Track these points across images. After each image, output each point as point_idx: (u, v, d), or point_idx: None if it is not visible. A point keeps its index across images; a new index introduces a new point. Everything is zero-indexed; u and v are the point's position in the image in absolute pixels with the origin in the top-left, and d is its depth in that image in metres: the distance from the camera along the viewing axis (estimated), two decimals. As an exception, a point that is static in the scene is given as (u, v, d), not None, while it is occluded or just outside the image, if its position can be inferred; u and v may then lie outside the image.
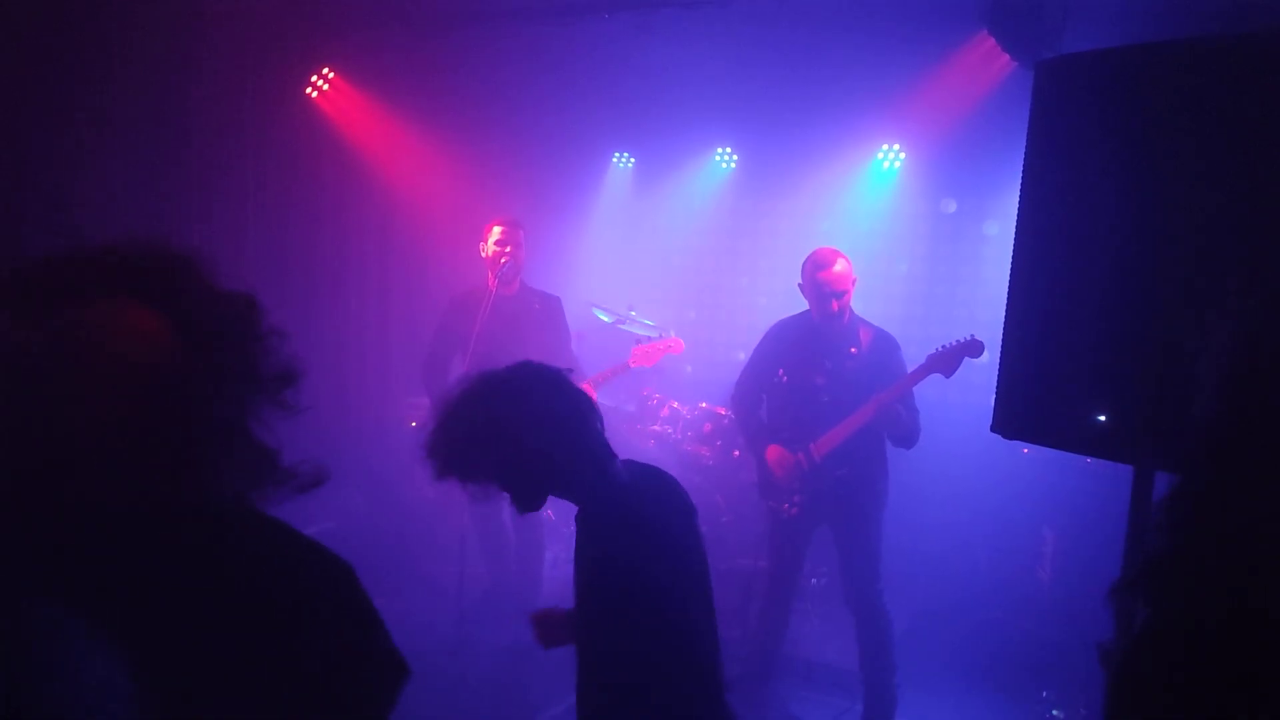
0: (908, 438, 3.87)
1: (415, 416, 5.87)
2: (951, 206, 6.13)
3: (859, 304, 4.00)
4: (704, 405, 5.37)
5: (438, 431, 1.87)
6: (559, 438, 1.87)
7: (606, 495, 1.92)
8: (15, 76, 3.81)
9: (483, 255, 4.48)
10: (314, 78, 5.32)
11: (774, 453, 3.96)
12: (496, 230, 4.44)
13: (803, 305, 4.00)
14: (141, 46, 4.29)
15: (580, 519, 1.93)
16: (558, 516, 5.88)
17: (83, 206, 4.16)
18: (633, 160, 7.35)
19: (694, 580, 1.97)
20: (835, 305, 3.82)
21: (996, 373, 1.86)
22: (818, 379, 3.91)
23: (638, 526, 1.88)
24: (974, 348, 3.80)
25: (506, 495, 1.95)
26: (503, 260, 4.38)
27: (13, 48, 3.78)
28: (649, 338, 4.94)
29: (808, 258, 3.90)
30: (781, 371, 4.02)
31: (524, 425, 1.83)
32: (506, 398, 1.87)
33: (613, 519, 1.88)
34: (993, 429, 1.85)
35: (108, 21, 4.12)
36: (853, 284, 3.86)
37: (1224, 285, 1.16)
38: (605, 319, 5.39)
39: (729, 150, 6.92)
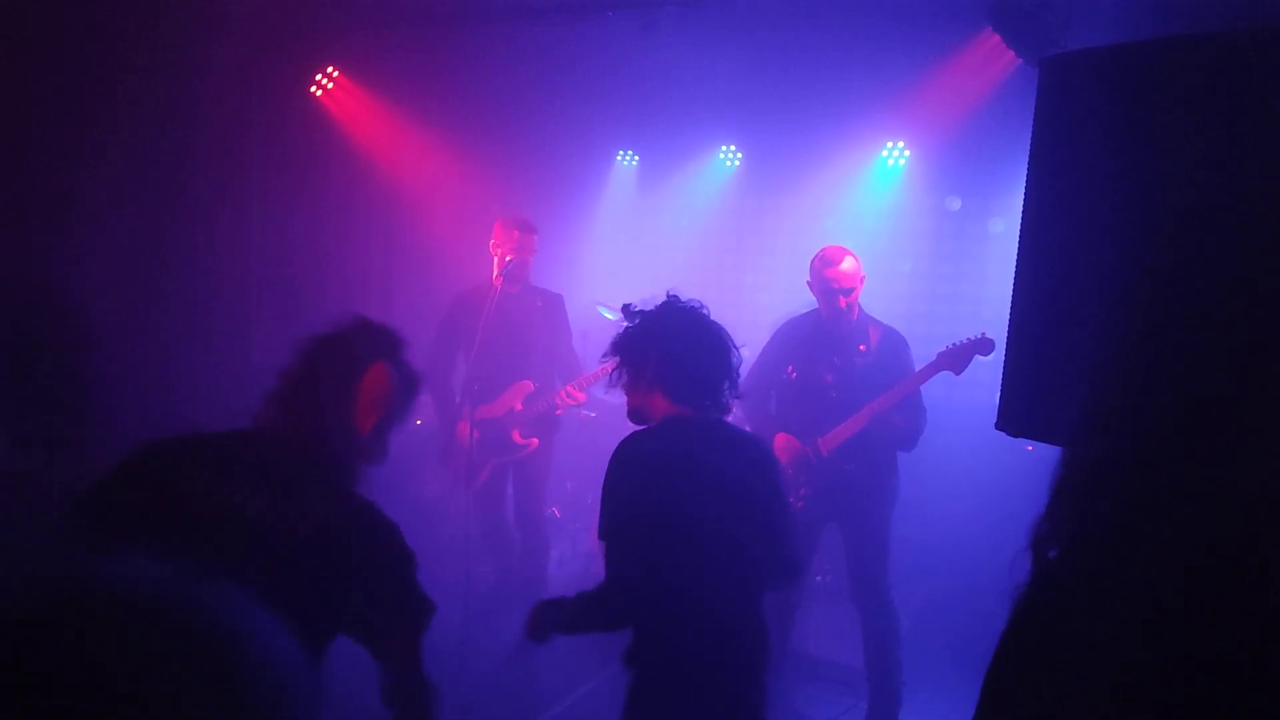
0: (904, 442, 3.87)
1: (419, 414, 5.87)
2: (956, 204, 6.12)
3: (863, 302, 4.00)
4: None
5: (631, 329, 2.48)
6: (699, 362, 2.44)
7: (678, 423, 2.41)
8: (18, 76, 3.82)
9: (492, 253, 4.47)
10: (319, 77, 5.32)
11: (782, 440, 3.96)
12: (514, 235, 4.43)
13: (811, 303, 4.00)
14: (145, 46, 4.30)
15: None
16: (563, 514, 5.88)
17: (87, 206, 4.17)
18: (637, 158, 7.35)
19: (690, 529, 2.31)
20: (843, 302, 3.82)
21: (1001, 370, 1.86)
22: (827, 376, 3.91)
23: (666, 458, 2.36)
24: (984, 345, 3.79)
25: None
26: (508, 258, 4.38)
27: (16, 47, 3.79)
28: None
29: (816, 255, 3.90)
30: (791, 368, 4.02)
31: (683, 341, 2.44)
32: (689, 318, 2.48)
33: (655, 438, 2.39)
34: (997, 426, 1.85)
35: (112, 20, 4.13)
36: (861, 281, 3.86)
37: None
38: (610, 317, 5.40)
39: (733, 148, 6.92)
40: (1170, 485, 0.87)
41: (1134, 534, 0.89)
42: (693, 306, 2.50)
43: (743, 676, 2.37)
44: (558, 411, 4.57)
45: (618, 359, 2.48)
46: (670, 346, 2.41)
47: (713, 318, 2.51)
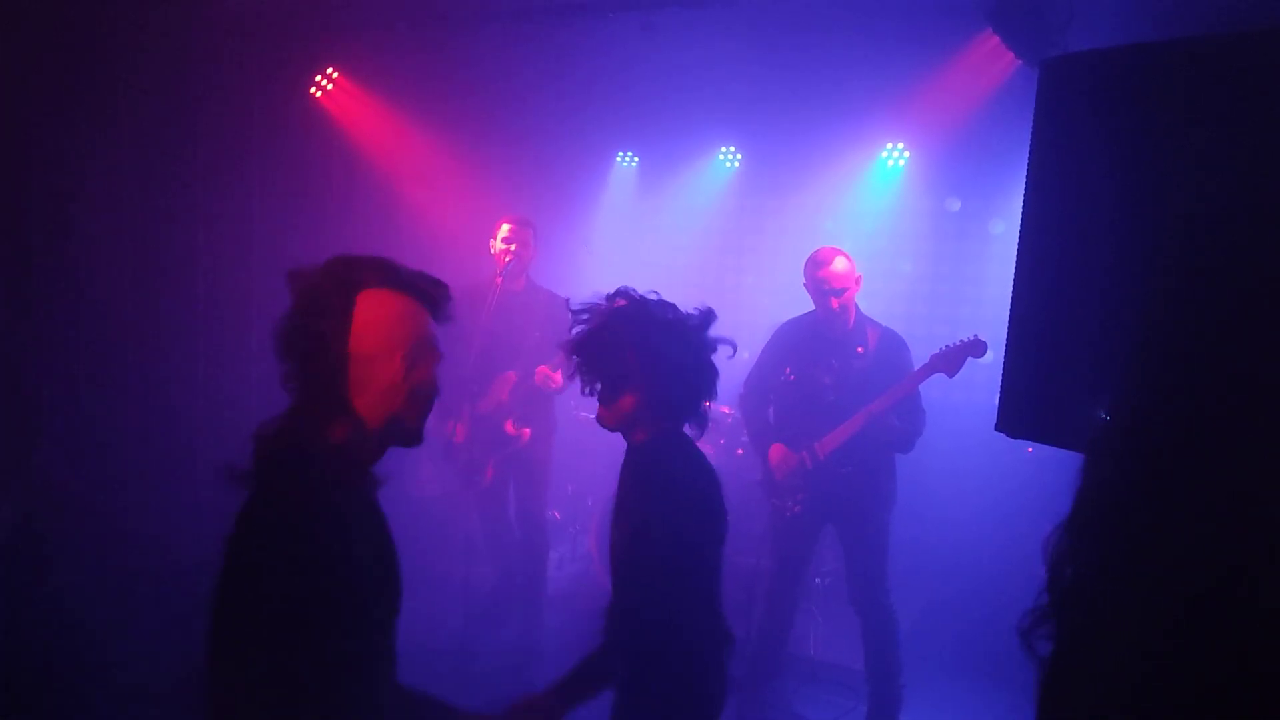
0: (902, 444, 3.87)
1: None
2: (956, 205, 6.13)
3: (863, 303, 4.00)
4: (707, 404, 5.36)
5: (596, 331, 2.28)
6: (683, 376, 2.33)
7: (677, 438, 2.30)
8: (18, 76, 3.82)
9: (491, 252, 4.48)
10: (318, 77, 5.32)
11: (776, 453, 3.97)
12: (505, 228, 4.45)
13: (810, 305, 4.01)
14: (146, 46, 4.30)
15: (645, 447, 2.28)
16: (563, 516, 5.88)
17: (88, 206, 4.17)
18: (637, 159, 7.35)
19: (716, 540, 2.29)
20: (835, 303, 3.82)
21: (1000, 372, 1.86)
22: (824, 378, 3.91)
23: (696, 474, 2.25)
24: (977, 348, 3.80)
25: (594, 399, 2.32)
26: (508, 258, 4.38)
27: (18, 48, 3.79)
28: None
29: (809, 257, 3.91)
30: (789, 370, 4.02)
31: (669, 349, 2.31)
32: (663, 325, 2.36)
33: (678, 457, 2.27)
34: (997, 428, 1.85)
35: (113, 21, 4.13)
36: (855, 282, 3.86)
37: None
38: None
39: (733, 149, 6.92)
40: (1185, 499, 0.85)
41: (1153, 549, 0.87)
42: (675, 315, 2.39)
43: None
44: (536, 381, 4.43)
45: (583, 363, 2.29)
46: (657, 361, 2.27)
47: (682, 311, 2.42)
